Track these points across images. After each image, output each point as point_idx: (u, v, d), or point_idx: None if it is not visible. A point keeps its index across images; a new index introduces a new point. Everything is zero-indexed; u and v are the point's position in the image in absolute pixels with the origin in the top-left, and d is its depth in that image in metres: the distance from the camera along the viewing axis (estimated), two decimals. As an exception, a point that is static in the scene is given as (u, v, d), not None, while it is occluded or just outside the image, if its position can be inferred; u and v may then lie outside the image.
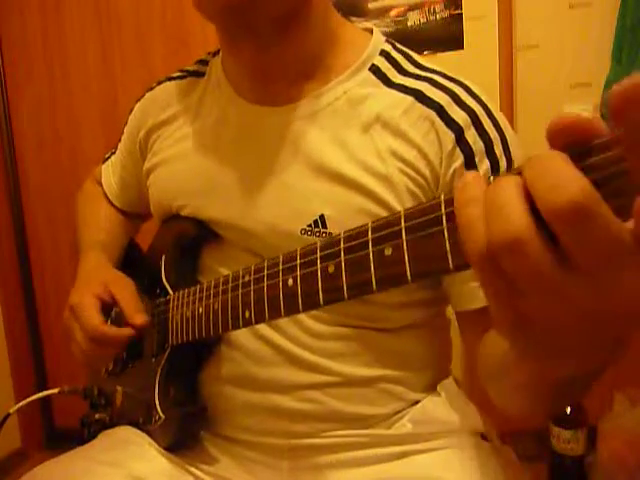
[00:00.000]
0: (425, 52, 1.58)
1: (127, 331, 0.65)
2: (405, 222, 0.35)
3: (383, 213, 0.57)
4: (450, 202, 0.33)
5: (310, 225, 0.59)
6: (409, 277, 0.35)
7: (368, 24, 1.59)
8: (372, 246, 0.38)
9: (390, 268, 0.36)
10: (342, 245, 0.40)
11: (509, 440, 0.68)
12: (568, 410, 1.44)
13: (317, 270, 0.42)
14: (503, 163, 0.58)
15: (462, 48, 1.57)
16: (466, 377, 0.73)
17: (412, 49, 0.66)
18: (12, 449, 1.87)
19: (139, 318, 0.65)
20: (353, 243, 0.39)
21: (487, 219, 0.27)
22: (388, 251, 0.36)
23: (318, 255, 0.43)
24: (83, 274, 0.72)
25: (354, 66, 0.62)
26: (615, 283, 0.26)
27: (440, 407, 0.65)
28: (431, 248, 0.33)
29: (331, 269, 0.41)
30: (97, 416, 0.76)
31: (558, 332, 0.29)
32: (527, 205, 0.26)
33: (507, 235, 0.26)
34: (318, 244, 0.43)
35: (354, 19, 1.62)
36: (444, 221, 0.33)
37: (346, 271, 0.40)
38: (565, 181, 0.24)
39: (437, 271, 0.34)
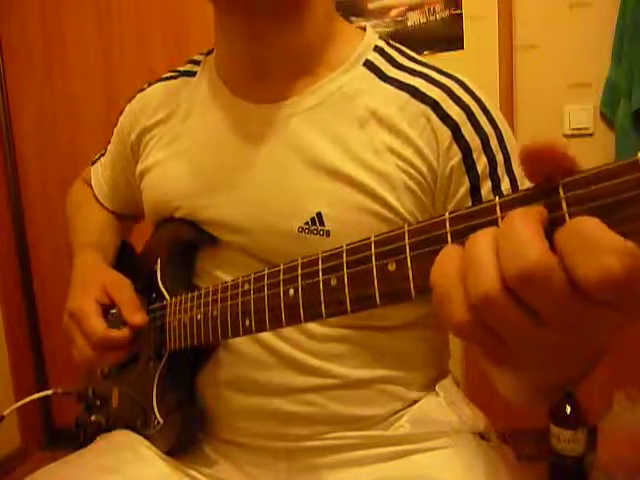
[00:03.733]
0: (425, 52, 1.58)
1: (126, 331, 0.63)
2: (409, 238, 0.35)
3: (381, 210, 0.57)
4: (455, 220, 0.33)
5: (307, 223, 0.58)
6: (413, 293, 0.35)
7: (368, 24, 1.58)
8: (375, 260, 0.37)
9: (394, 284, 0.36)
10: (345, 258, 0.40)
11: (509, 440, 0.68)
12: (568, 410, 1.44)
13: (319, 282, 0.42)
14: (500, 158, 0.58)
15: (462, 48, 1.57)
16: (465, 377, 0.73)
17: (412, 49, 0.65)
18: (12, 449, 1.87)
19: (138, 317, 0.64)
20: (356, 257, 0.39)
21: (465, 276, 0.29)
22: (392, 266, 0.36)
23: (320, 267, 0.42)
24: (79, 277, 0.71)
25: (348, 61, 0.62)
26: (579, 332, 0.28)
27: (439, 407, 0.65)
28: None
29: (333, 282, 0.41)
30: (93, 418, 0.75)
31: (531, 364, 0.31)
32: (498, 264, 0.28)
33: (479, 293, 0.28)
34: (320, 255, 0.42)
35: (354, 19, 1.62)
36: (449, 238, 0.33)
37: (349, 285, 0.39)
38: (523, 249, 0.26)
39: None
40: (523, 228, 0.27)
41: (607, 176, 0.26)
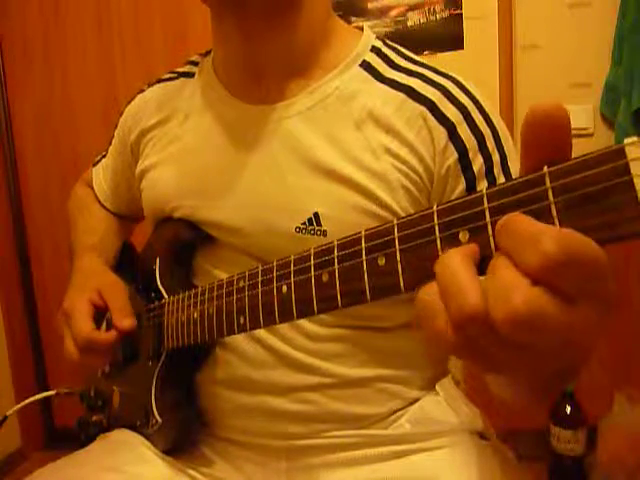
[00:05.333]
0: (425, 52, 1.58)
1: (112, 334, 0.63)
2: (398, 232, 0.35)
3: (378, 210, 0.57)
4: (443, 212, 0.33)
5: (304, 223, 0.58)
6: (402, 287, 0.35)
7: (368, 24, 1.59)
8: (365, 255, 0.37)
9: (383, 278, 0.36)
10: (336, 253, 0.40)
11: (509, 440, 0.68)
12: (568, 410, 1.44)
13: (311, 278, 0.42)
14: (496, 158, 0.58)
15: (462, 48, 1.57)
16: (465, 376, 0.73)
17: (412, 49, 0.66)
18: (12, 449, 1.87)
19: (126, 322, 0.64)
20: (346, 251, 0.39)
21: (443, 299, 0.29)
22: (381, 261, 0.36)
23: (312, 263, 0.42)
24: (77, 278, 0.71)
25: (345, 62, 0.62)
26: (544, 353, 0.29)
27: (438, 407, 0.65)
28: (424, 258, 0.33)
29: (325, 277, 0.41)
30: (94, 418, 0.75)
31: (516, 371, 0.31)
32: (477, 280, 0.28)
33: (462, 315, 0.28)
34: (312, 251, 0.43)
35: (354, 19, 1.62)
36: (437, 231, 0.33)
37: (340, 280, 0.40)
38: (509, 291, 0.27)
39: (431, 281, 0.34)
40: (504, 271, 0.27)
41: (593, 164, 0.27)
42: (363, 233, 0.38)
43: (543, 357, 0.29)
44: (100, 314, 0.67)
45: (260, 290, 0.48)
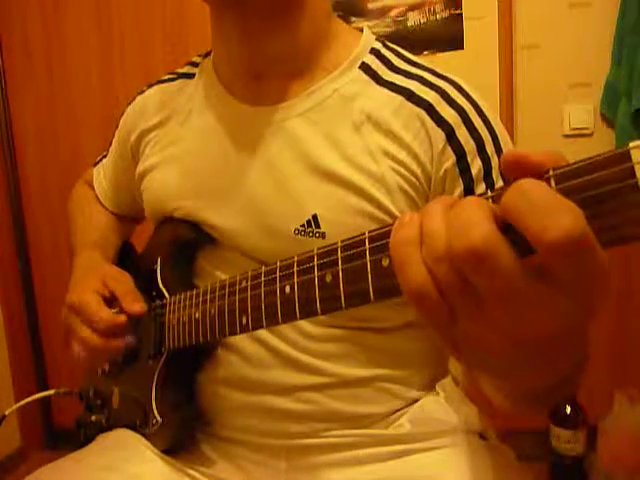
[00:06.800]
0: (425, 52, 1.58)
1: (124, 317, 0.64)
2: None
3: (376, 212, 0.58)
4: None
5: (303, 225, 0.58)
6: None
7: (368, 24, 1.59)
8: (370, 256, 0.37)
9: (388, 279, 0.36)
10: (339, 254, 0.40)
11: (509, 440, 0.68)
12: (568, 410, 1.44)
13: (314, 278, 0.42)
14: (495, 161, 0.58)
15: (462, 48, 1.57)
16: (465, 376, 0.73)
17: (412, 49, 0.66)
18: (12, 449, 1.87)
19: (137, 306, 0.64)
20: (350, 252, 0.39)
21: (421, 243, 0.30)
22: (386, 262, 0.36)
23: (315, 263, 0.42)
24: (78, 272, 0.71)
25: (345, 64, 0.62)
26: (520, 314, 0.28)
27: (438, 406, 0.65)
28: None
29: (328, 278, 0.41)
30: (93, 418, 0.75)
31: (490, 354, 0.32)
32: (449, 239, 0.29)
33: (432, 259, 0.29)
34: (315, 252, 0.43)
35: (354, 19, 1.62)
36: None
37: (343, 280, 0.39)
38: (469, 227, 0.27)
39: None
40: (468, 208, 0.28)
41: (598, 167, 0.27)
42: (367, 234, 0.38)
43: (505, 331, 0.29)
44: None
45: (263, 290, 0.48)
